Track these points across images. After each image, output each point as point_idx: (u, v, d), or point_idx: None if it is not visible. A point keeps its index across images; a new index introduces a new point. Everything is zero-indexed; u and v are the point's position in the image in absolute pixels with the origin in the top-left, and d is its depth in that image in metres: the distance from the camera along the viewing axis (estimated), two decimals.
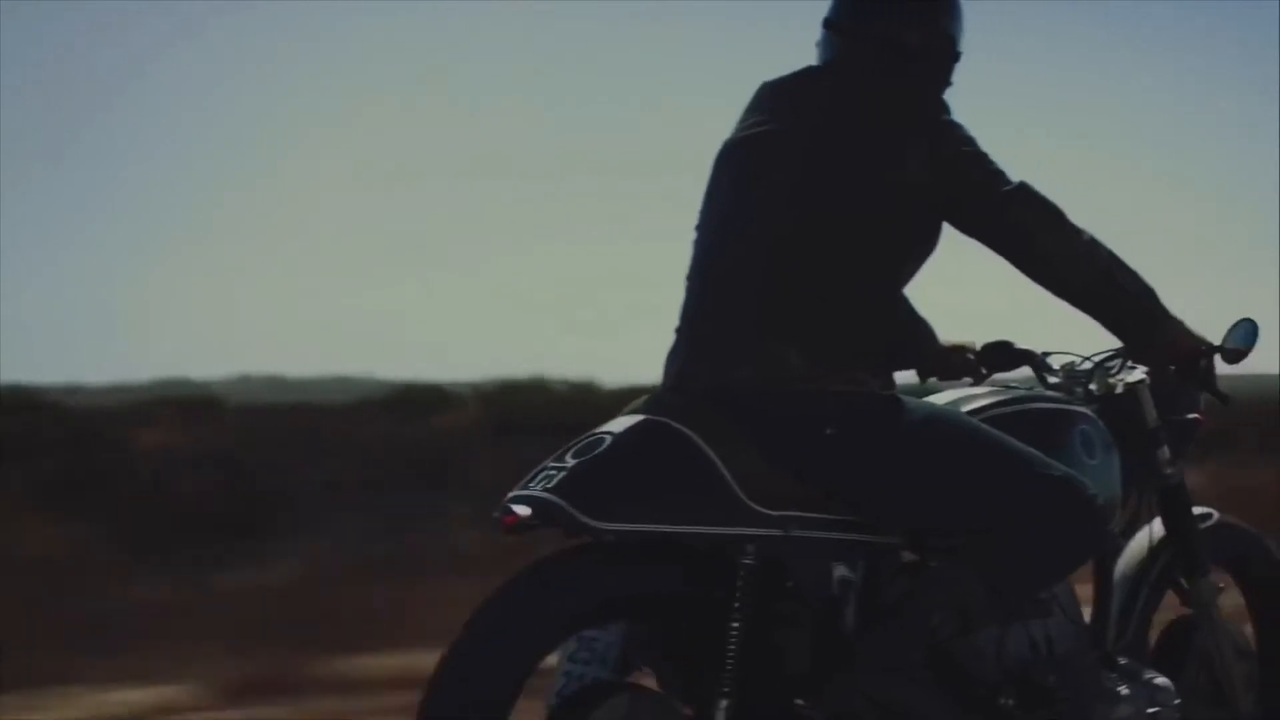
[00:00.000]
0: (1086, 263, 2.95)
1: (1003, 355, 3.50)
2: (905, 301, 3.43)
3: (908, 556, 2.96)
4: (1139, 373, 3.34)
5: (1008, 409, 3.13)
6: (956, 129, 2.95)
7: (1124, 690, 3.18)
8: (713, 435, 2.72)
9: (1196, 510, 3.57)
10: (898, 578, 2.93)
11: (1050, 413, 3.19)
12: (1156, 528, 3.49)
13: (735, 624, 2.71)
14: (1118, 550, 3.49)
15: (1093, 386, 3.39)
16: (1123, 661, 3.27)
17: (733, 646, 2.71)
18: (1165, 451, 3.41)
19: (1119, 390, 3.37)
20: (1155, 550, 3.48)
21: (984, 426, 2.96)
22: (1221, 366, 3.24)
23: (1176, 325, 3.09)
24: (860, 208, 2.87)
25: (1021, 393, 3.23)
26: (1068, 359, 3.43)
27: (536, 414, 11.90)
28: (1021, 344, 3.51)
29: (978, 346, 3.52)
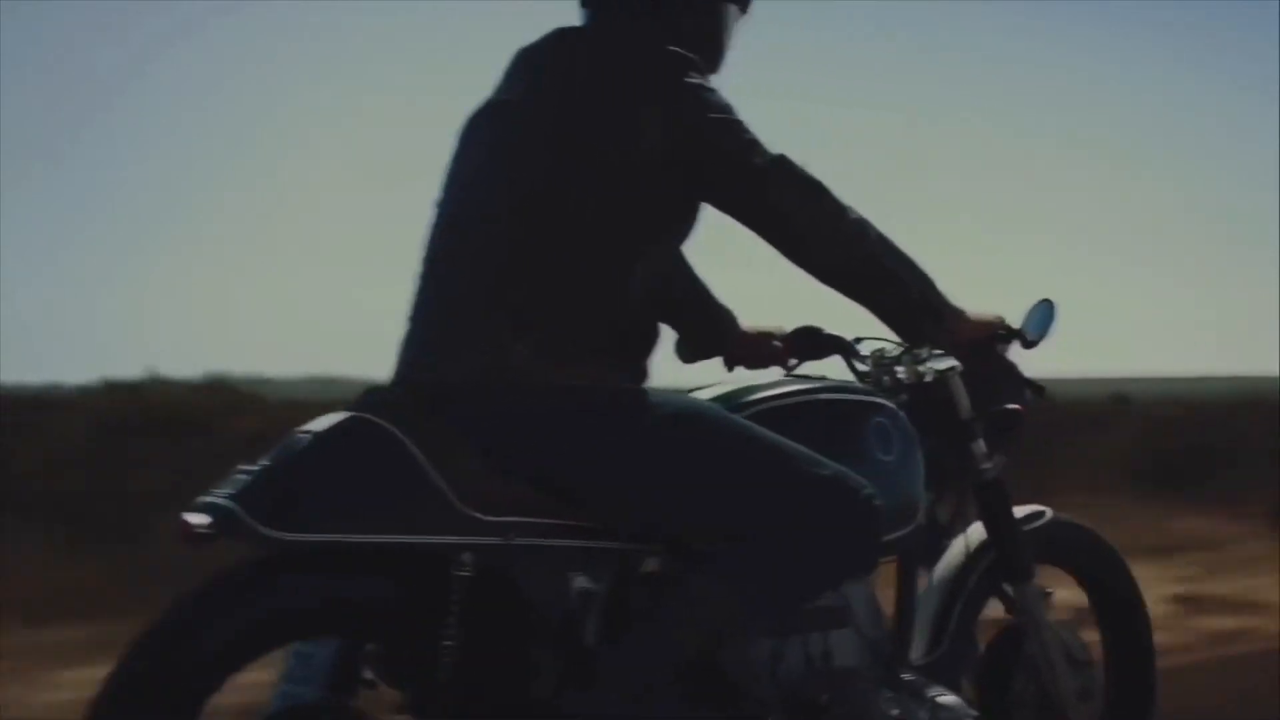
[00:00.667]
0: (850, 245, 2.69)
1: (811, 342, 3.24)
2: (699, 287, 3.19)
3: (662, 565, 2.70)
4: (950, 360, 3.07)
5: (788, 401, 2.87)
6: (702, 94, 2.66)
7: (896, 712, 2.91)
8: (424, 435, 2.47)
9: (1026, 509, 3.31)
10: (646, 589, 2.67)
11: (840, 405, 2.94)
12: (978, 530, 3.22)
13: (449, 641, 2.46)
14: (931, 553, 3.23)
15: (901, 375, 3.11)
16: (910, 678, 3.00)
17: (448, 664, 2.46)
18: (981, 445, 3.14)
19: (928, 379, 3.10)
20: (975, 554, 3.22)
21: (745, 423, 2.70)
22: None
23: (955, 314, 2.83)
24: (596, 186, 2.60)
25: (811, 384, 2.97)
26: (879, 345, 3.16)
27: None
28: (833, 330, 3.24)
29: (784, 333, 3.26)
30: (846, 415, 2.92)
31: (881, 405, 2.98)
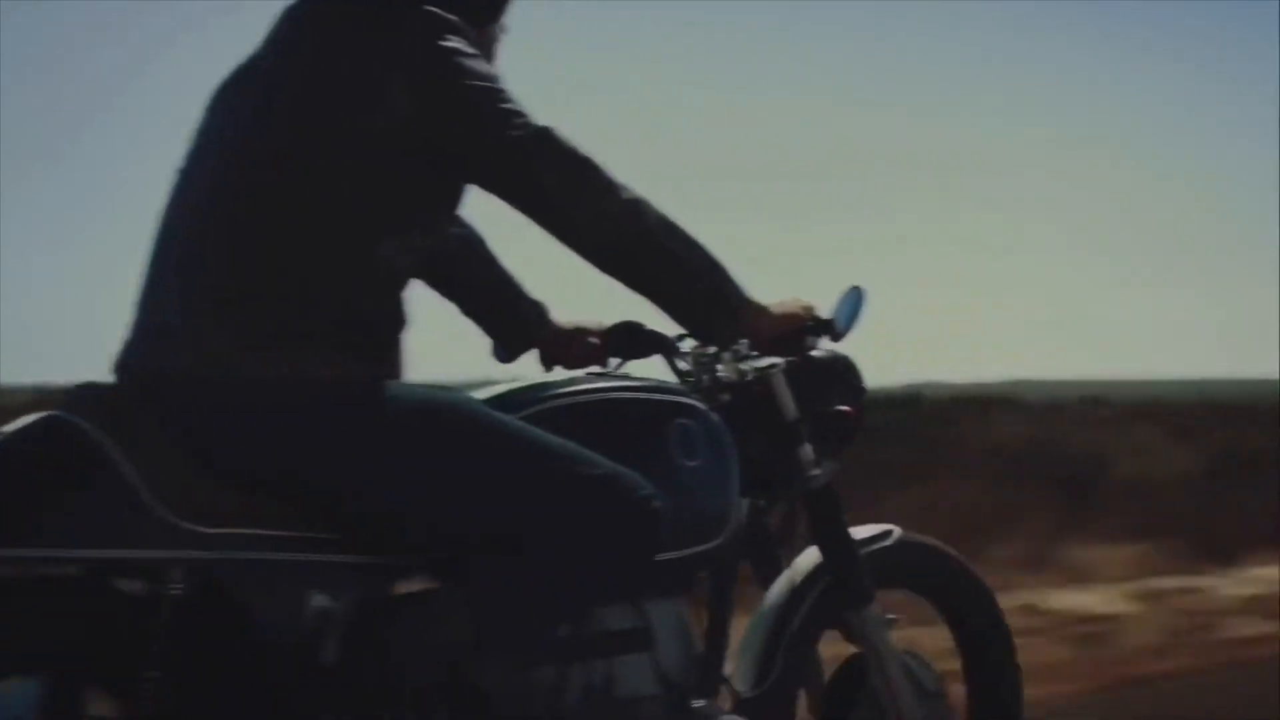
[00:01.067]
0: (622, 225, 2.40)
1: (631, 339, 2.93)
2: (499, 276, 2.89)
3: (409, 580, 2.40)
4: (774, 358, 2.78)
5: (576, 401, 2.58)
6: (457, 58, 2.36)
7: None
8: (130, 437, 2.19)
9: (870, 528, 3.01)
10: (390, 607, 2.37)
11: (637, 405, 2.64)
12: (814, 549, 2.92)
13: (154, 669, 2.17)
14: (768, 571, 2.93)
15: (721, 374, 2.81)
16: (699, 704, 2.68)
17: (152, 695, 2.16)
18: (808, 449, 2.84)
19: (749, 378, 2.80)
20: (811, 575, 2.90)
21: (503, 419, 2.41)
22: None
23: (752, 307, 2.56)
24: (330, 158, 2.31)
25: (609, 383, 2.68)
26: (697, 343, 2.85)
27: None
28: (656, 326, 2.93)
29: (603, 328, 2.96)
30: (644, 416, 2.63)
31: (687, 406, 2.68)
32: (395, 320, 2.39)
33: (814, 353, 2.85)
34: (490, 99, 2.36)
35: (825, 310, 2.73)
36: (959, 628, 3.18)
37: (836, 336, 2.73)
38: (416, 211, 2.39)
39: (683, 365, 2.86)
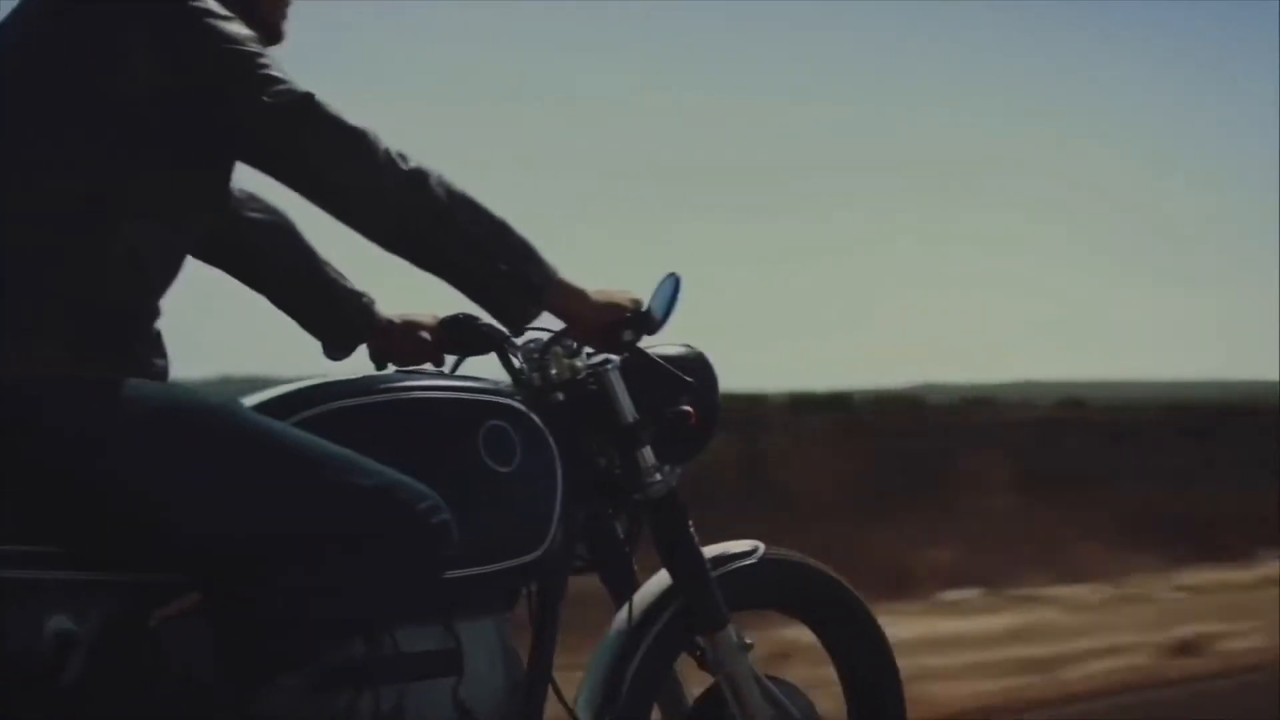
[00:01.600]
0: (405, 201, 2.19)
1: (464, 333, 2.67)
2: (312, 265, 2.64)
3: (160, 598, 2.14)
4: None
5: (359, 403, 2.34)
6: (206, 18, 2.14)
7: None
8: None
9: (735, 545, 2.74)
10: (141, 630, 2.12)
11: (436, 405, 2.40)
12: (660, 577, 2.66)
13: None
14: (622, 587, 2.67)
15: (553, 370, 2.56)
16: None
17: None
18: (648, 453, 2.58)
19: (582, 375, 2.55)
20: (662, 595, 2.64)
21: (267, 423, 2.18)
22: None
23: (566, 292, 2.35)
24: (67, 133, 2.10)
25: (411, 382, 2.44)
26: (533, 337, 2.59)
27: None
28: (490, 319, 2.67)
29: (432, 322, 2.70)
30: (448, 419, 2.39)
31: (502, 406, 2.43)
32: (141, 312, 2.15)
33: (666, 348, 2.62)
34: (244, 63, 2.13)
35: (646, 302, 2.49)
36: (836, 647, 2.92)
37: (653, 329, 2.49)
38: (166, 191, 2.15)
39: (516, 362, 2.60)
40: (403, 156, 2.19)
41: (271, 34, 2.33)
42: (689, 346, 2.70)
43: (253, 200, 2.51)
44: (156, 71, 2.10)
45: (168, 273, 2.20)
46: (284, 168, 2.17)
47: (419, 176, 2.18)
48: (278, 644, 2.13)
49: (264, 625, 2.12)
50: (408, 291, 2.69)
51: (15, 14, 2.23)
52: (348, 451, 2.18)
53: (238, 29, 2.15)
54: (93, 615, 2.09)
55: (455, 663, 2.35)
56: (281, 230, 2.57)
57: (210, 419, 2.12)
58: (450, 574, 2.27)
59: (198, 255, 2.48)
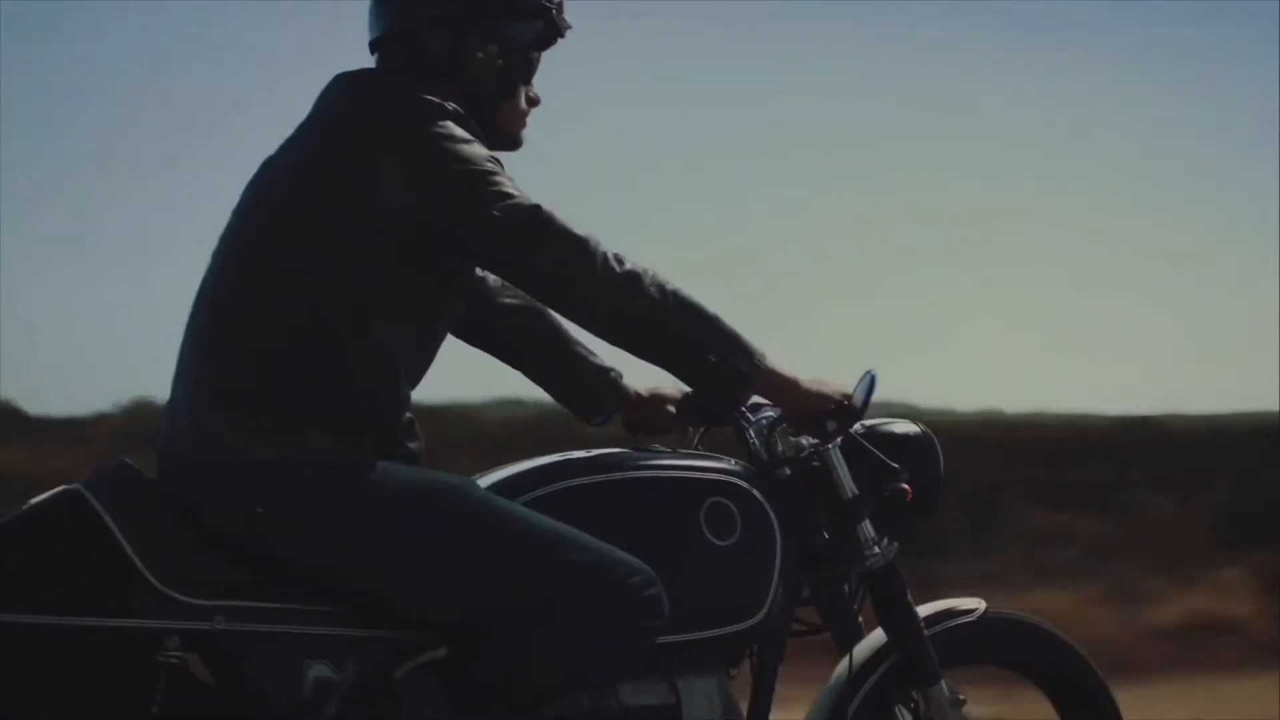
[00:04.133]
0: (621, 302, 2.44)
1: (704, 407, 2.91)
2: (562, 344, 2.92)
3: (406, 655, 2.47)
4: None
5: (593, 480, 2.60)
6: (447, 142, 2.43)
7: None
8: (131, 513, 2.34)
9: (955, 603, 2.92)
10: (391, 681, 2.45)
11: (661, 483, 2.63)
12: (879, 632, 2.85)
13: None
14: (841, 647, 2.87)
15: (780, 448, 2.78)
16: None
17: None
18: (867, 528, 2.77)
19: (805, 454, 2.75)
20: (875, 655, 2.84)
21: (497, 502, 2.47)
22: None
23: (767, 375, 2.55)
24: (326, 242, 2.42)
25: (645, 458, 2.69)
26: (765, 414, 2.82)
27: None
28: None
29: (677, 396, 2.95)
30: (671, 496, 2.62)
31: (727, 484, 2.66)
32: (393, 402, 2.47)
33: (895, 426, 2.81)
34: (476, 181, 2.41)
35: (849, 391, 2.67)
36: (1060, 702, 3.05)
37: (853, 419, 2.67)
38: (415, 296, 2.46)
39: (750, 437, 2.83)
40: (619, 259, 2.43)
41: (512, 142, 2.63)
42: (917, 426, 2.87)
43: (506, 288, 2.81)
44: (404, 193, 2.40)
45: (419, 366, 2.52)
46: (516, 275, 2.48)
47: (633, 277, 2.43)
48: (506, 699, 2.41)
49: (495, 683, 2.40)
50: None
51: (289, 140, 2.58)
52: (570, 529, 2.44)
53: (474, 150, 2.44)
54: (349, 666, 2.42)
55: (674, 717, 2.60)
56: (533, 313, 2.86)
57: (449, 500, 2.42)
58: (667, 639, 2.51)
59: (462, 338, 2.82)
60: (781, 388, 2.56)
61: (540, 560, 2.41)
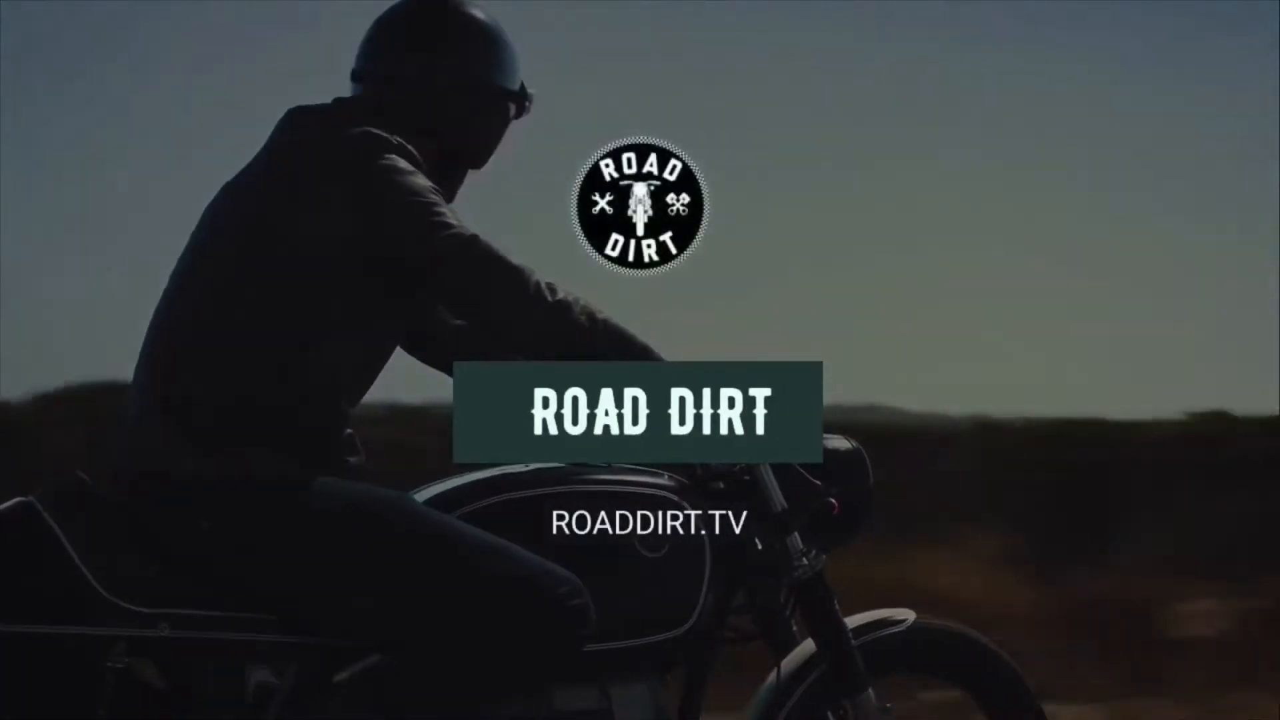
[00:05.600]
0: (550, 329, 2.57)
1: None
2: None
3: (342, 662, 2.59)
4: None
5: (530, 494, 2.72)
6: (392, 174, 2.57)
7: None
8: (81, 524, 2.48)
9: (883, 613, 3.03)
10: (327, 686, 2.57)
11: (596, 497, 2.75)
12: (809, 643, 2.97)
13: None
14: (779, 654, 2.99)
15: (712, 465, 2.89)
16: None
17: None
18: (796, 540, 2.88)
19: (736, 469, 2.87)
20: (805, 664, 2.95)
21: (431, 515, 2.59)
22: None
23: None
24: (273, 266, 2.56)
25: (580, 473, 2.80)
26: None
27: None
28: None
29: None
30: (602, 509, 2.74)
31: (657, 498, 2.78)
32: (335, 420, 2.59)
33: (826, 440, 2.91)
34: (417, 212, 2.54)
35: None
36: (990, 710, 3.17)
37: None
38: (360, 316, 2.59)
39: None
40: (551, 289, 2.56)
41: (476, 164, 2.81)
42: (847, 440, 2.99)
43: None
44: (351, 222, 2.54)
45: (362, 384, 2.65)
46: (452, 300, 2.62)
47: (563, 305, 2.56)
48: (439, 705, 2.53)
49: (429, 688, 2.53)
50: None
51: (246, 168, 2.72)
52: (501, 542, 2.57)
53: (417, 182, 2.58)
54: (289, 671, 2.55)
55: None
56: (473, 335, 2.99)
57: (387, 515, 2.54)
58: (597, 646, 2.63)
59: (414, 354, 2.95)
60: None
61: (469, 572, 2.53)
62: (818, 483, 2.84)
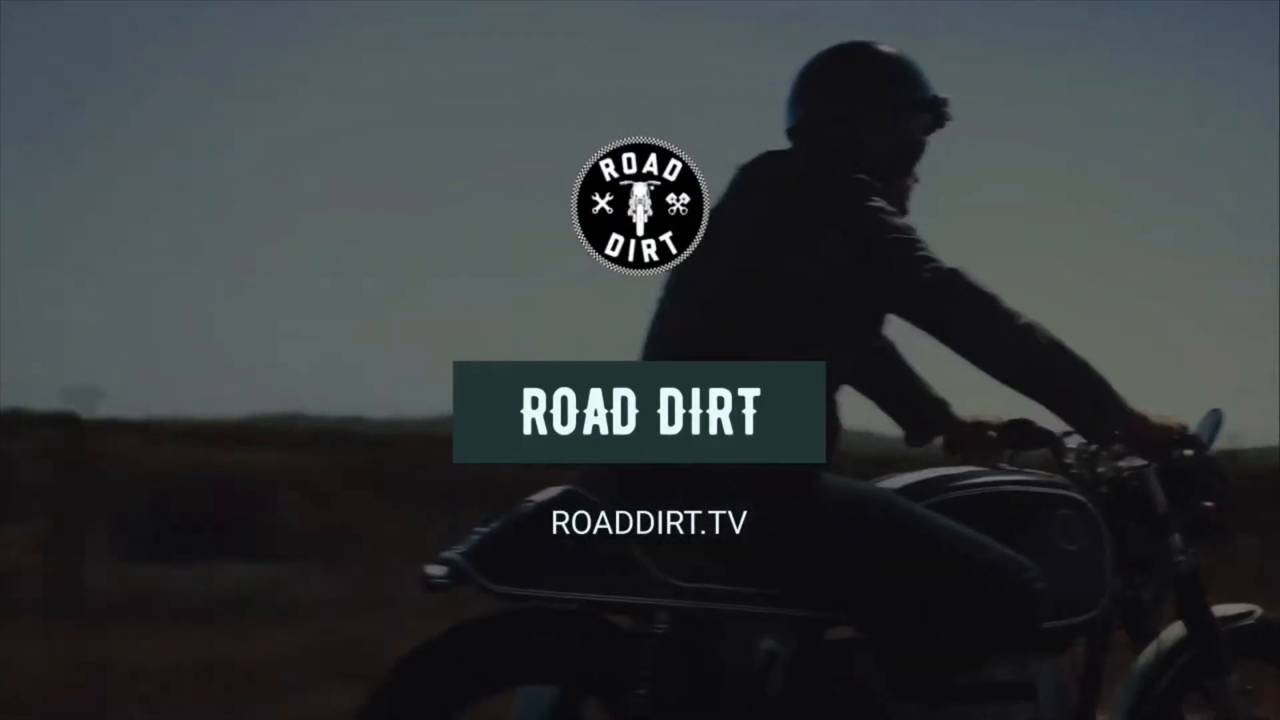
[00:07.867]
0: (1021, 353, 2.93)
1: (1023, 434, 3.45)
2: (910, 378, 3.46)
3: (838, 632, 2.99)
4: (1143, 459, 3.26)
5: (974, 492, 3.12)
6: (880, 216, 2.96)
7: None
8: (627, 508, 2.82)
9: (1235, 608, 3.44)
10: (822, 653, 2.97)
11: (1026, 496, 3.16)
12: (1179, 626, 3.38)
13: (642, 690, 2.80)
14: (1142, 640, 3.39)
15: (1101, 470, 3.31)
16: None
17: (642, 711, 2.80)
18: (1176, 539, 3.30)
19: (1125, 475, 3.28)
20: (1175, 646, 3.37)
21: (914, 508, 2.98)
22: None
23: (1132, 417, 3.04)
24: (765, 303, 2.93)
25: (1003, 476, 3.20)
26: (1083, 442, 3.35)
27: None
28: (1044, 424, 3.45)
29: (1000, 423, 3.49)
30: (1032, 507, 3.14)
31: (1069, 498, 3.18)
32: (833, 424, 2.99)
33: (1185, 453, 3.32)
34: (907, 249, 2.94)
35: (1193, 426, 3.20)
36: None
37: (1201, 450, 3.18)
38: (834, 339, 2.98)
39: (1068, 460, 3.36)
40: (1017, 314, 2.94)
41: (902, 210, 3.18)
42: (1203, 456, 3.39)
43: None
44: (839, 250, 2.93)
45: (839, 391, 3.04)
46: (932, 327, 2.97)
47: (1030, 331, 2.93)
48: (917, 669, 2.95)
49: (909, 658, 2.94)
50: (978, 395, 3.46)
51: (728, 206, 3.08)
52: (970, 530, 2.97)
53: (899, 221, 2.98)
54: (791, 638, 2.95)
55: (1030, 691, 3.13)
56: (887, 352, 3.44)
57: (880, 507, 2.95)
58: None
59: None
60: (1139, 422, 3.06)
61: (956, 557, 2.93)
62: (1215, 486, 3.25)
